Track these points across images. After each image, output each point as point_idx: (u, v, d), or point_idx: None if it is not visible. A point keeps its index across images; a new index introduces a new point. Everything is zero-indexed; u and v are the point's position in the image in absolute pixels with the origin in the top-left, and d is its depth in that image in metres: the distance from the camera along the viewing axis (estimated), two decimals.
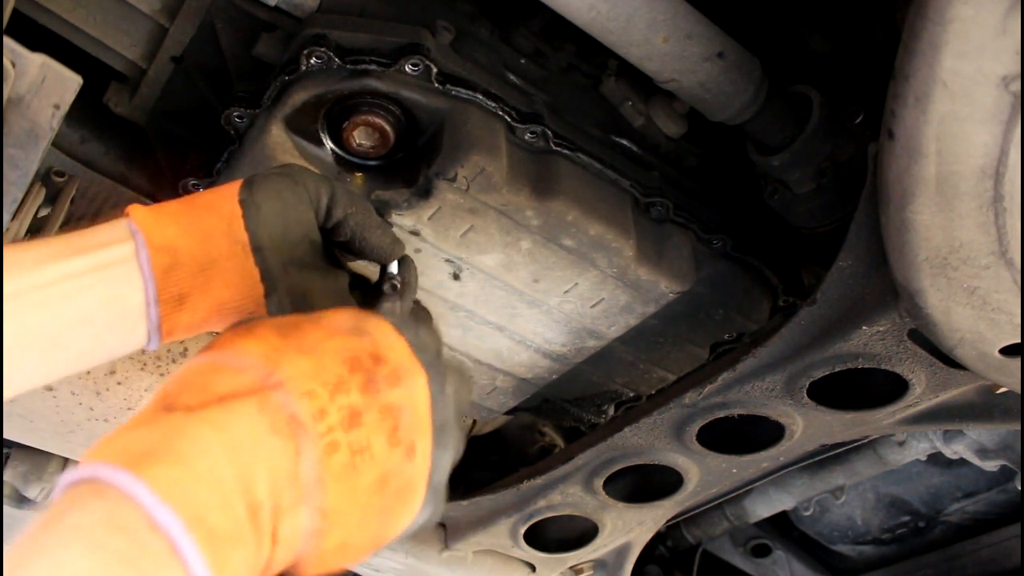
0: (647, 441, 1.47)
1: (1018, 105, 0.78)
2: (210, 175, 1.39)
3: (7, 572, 0.54)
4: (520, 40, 1.38)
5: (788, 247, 1.50)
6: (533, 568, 1.88)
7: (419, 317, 0.83)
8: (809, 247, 1.50)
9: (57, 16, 1.32)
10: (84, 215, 1.53)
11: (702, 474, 1.54)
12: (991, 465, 2.12)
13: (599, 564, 1.90)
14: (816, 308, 1.17)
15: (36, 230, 1.36)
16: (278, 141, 1.21)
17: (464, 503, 1.70)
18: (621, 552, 1.86)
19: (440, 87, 1.21)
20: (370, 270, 1.02)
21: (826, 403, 1.32)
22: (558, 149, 1.29)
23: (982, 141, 0.82)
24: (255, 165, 1.24)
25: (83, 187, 1.49)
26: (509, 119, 1.26)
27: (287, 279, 0.87)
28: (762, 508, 2.50)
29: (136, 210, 0.84)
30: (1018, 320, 0.98)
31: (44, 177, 1.38)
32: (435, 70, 1.20)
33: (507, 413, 1.75)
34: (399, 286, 0.98)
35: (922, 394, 1.25)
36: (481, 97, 1.24)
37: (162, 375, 1.56)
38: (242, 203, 0.86)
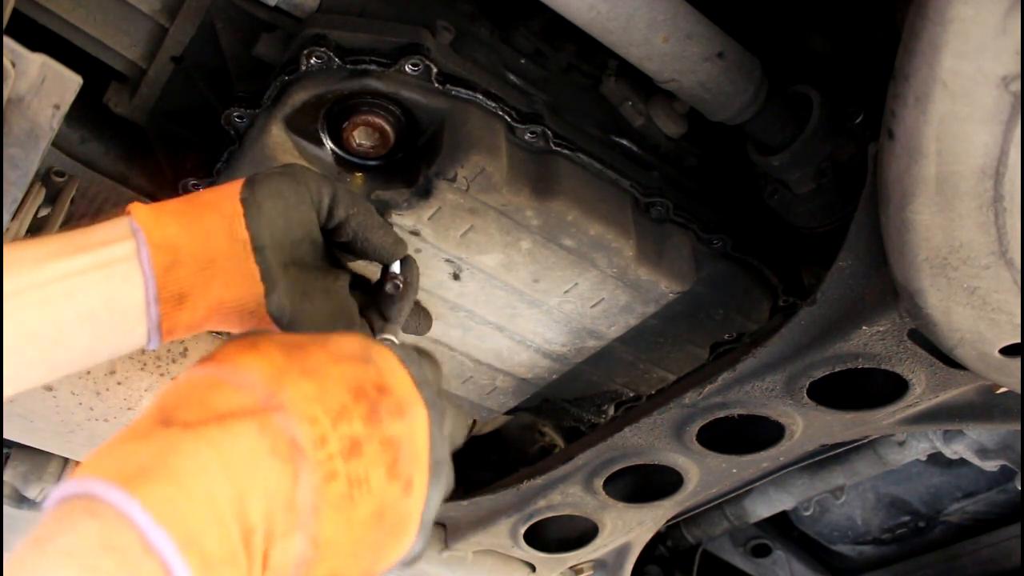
0: (647, 441, 1.47)
1: (1018, 105, 0.78)
2: (210, 175, 1.39)
3: (29, 567, 0.54)
4: (520, 40, 1.38)
5: (788, 247, 1.50)
6: (533, 568, 1.88)
7: (421, 353, 0.81)
8: (809, 247, 1.50)
9: (57, 16, 1.32)
10: (84, 215, 1.53)
11: (702, 474, 1.54)
12: (991, 465, 2.12)
13: (599, 564, 1.90)
14: (816, 308, 1.17)
15: (36, 230, 1.36)
16: (278, 141, 1.21)
17: (464, 503, 1.70)
18: (621, 552, 1.86)
19: (440, 87, 1.21)
20: (370, 270, 1.02)
21: (826, 403, 1.32)
22: (558, 149, 1.29)
23: (982, 141, 0.82)
24: (255, 165, 1.24)
25: (83, 187, 1.49)
26: (509, 119, 1.26)
27: (287, 279, 0.87)
28: (762, 508, 2.50)
29: (137, 208, 0.84)
30: (1018, 320, 0.98)
31: (44, 177, 1.38)
32: (435, 70, 1.20)
33: (507, 413, 1.75)
34: (401, 286, 0.98)
35: (922, 394, 1.25)
36: (481, 97, 1.24)
37: (162, 375, 1.56)
38: (243, 202, 0.86)
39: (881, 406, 1.29)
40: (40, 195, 1.35)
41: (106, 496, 0.57)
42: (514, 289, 1.38)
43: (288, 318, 0.86)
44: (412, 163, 1.25)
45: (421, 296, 1.06)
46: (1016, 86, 0.77)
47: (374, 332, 0.97)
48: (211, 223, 0.85)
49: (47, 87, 1.13)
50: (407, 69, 1.19)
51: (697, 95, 1.26)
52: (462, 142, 1.19)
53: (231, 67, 1.34)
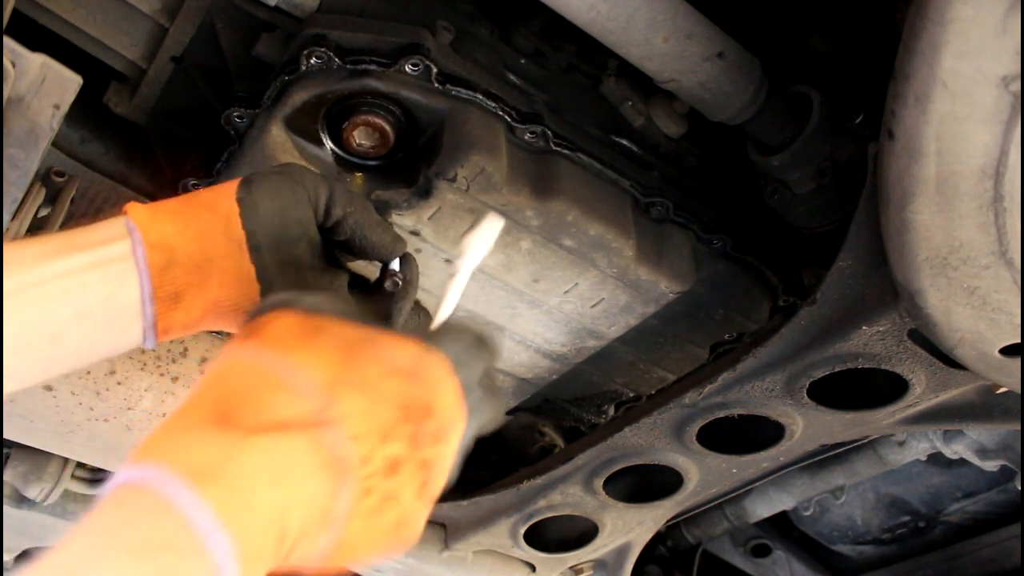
0: (647, 441, 1.47)
1: (1018, 105, 0.78)
2: (210, 175, 1.39)
3: (77, 559, 0.56)
4: (520, 40, 1.38)
5: (788, 247, 1.50)
6: (533, 568, 1.88)
7: (476, 342, 0.81)
8: (809, 247, 1.50)
9: (57, 16, 1.32)
10: (84, 215, 1.53)
11: (702, 474, 1.54)
12: (991, 465, 2.12)
13: (599, 564, 1.90)
14: (816, 308, 1.17)
15: (36, 230, 1.36)
16: (278, 141, 1.21)
17: (464, 503, 1.70)
18: (621, 552, 1.86)
19: (440, 87, 1.21)
20: (369, 270, 1.01)
21: (826, 403, 1.32)
22: (558, 149, 1.29)
23: (982, 141, 0.82)
24: (255, 165, 1.24)
25: (83, 187, 1.49)
26: (509, 119, 1.26)
27: (284, 278, 0.86)
28: (762, 508, 2.50)
29: (134, 208, 0.84)
30: (1018, 320, 0.98)
31: (44, 177, 1.38)
32: (435, 70, 1.20)
33: (507, 413, 1.75)
34: (401, 283, 0.98)
35: (922, 394, 1.25)
36: (481, 97, 1.24)
37: (162, 375, 1.56)
38: (240, 202, 0.86)
39: (881, 406, 1.29)
40: (40, 195, 1.35)
41: (174, 494, 0.60)
42: (514, 289, 1.38)
43: None
44: (412, 163, 1.25)
45: (420, 296, 1.06)
46: (1016, 86, 0.77)
47: None
48: (207, 222, 0.85)
49: (47, 87, 1.13)
50: (407, 69, 1.19)
51: (697, 95, 1.26)
52: (462, 142, 1.19)
53: (231, 67, 1.34)
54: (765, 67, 1.27)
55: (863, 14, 1.28)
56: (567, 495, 1.62)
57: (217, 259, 0.84)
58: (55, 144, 1.41)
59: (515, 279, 1.36)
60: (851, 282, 1.12)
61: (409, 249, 1.02)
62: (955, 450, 2.12)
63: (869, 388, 1.30)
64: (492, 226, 0.93)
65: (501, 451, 1.91)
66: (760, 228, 1.48)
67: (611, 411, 1.77)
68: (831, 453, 2.30)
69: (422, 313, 1.07)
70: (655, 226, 1.38)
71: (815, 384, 1.27)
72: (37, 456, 1.79)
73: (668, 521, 1.98)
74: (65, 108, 1.16)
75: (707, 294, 1.47)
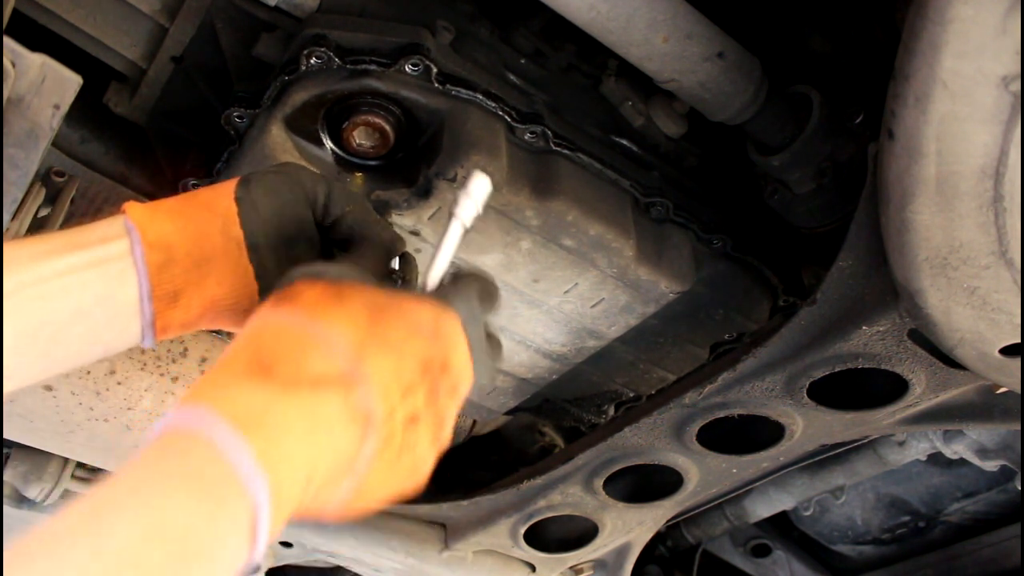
0: (647, 441, 1.47)
1: (1018, 105, 0.78)
2: (210, 175, 1.39)
3: (126, 490, 0.60)
4: (520, 40, 1.38)
5: (788, 247, 1.50)
6: (533, 568, 1.88)
7: (482, 292, 0.88)
8: (809, 247, 1.50)
9: (57, 16, 1.32)
10: (84, 215, 1.53)
11: (702, 474, 1.54)
12: (991, 465, 2.12)
13: (599, 564, 1.90)
14: (816, 308, 1.17)
15: (36, 230, 1.36)
16: (278, 141, 1.21)
17: (464, 503, 1.70)
18: (621, 552, 1.86)
19: (440, 87, 1.21)
20: None
21: (826, 403, 1.31)
22: (558, 149, 1.29)
23: (982, 141, 0.82)
24: (255, 165, 1.24)
25: (83, 187, 1.49)
26: (509, 119, 1.26)
27: (281, 277, 0.87)
28: (762, 508, 2.50)
29: (132, 207, 0.84)
30: (1018, 320, 0.98)
31: (44, 177, 1.38)
32: (435, 70, 1.20)
33: (507, 413, 1.75)
34: (400, 282, 0.98)
35: (922, 394, 1.25)
36: (481, 97, 1.24)
37: (162, 375, 1.56)
38: (238, 201, 0.87)
39: (881, 406, 1.29)
40: (40, 195, 1.35)
41: (222, 441, 0.64)
42: (514, 289, 1.38)
43: None
44: (412, 163, 1.25)
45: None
46: (1016, 86, 0.77)
47: None
48: (206, 221, 0.85)
49: (47, 87, 1.14)
50: (407, 69, 1.19)
51: (697, 95, 1.26)
52: (462, 142, 1.19)
53: (231, 67, 1.34)
54: (765, 67, 1.27)
55: (863, 14, 1.28)
56: (567, 495, 1.62)
57: (215, 258, 0.85)
58: (55, 144, 1.41)
59: (515, 279, 1.36)
60: (851, 282, 1.12)
61: (409, 249, 1.02)
62: (955, 450, 2.12)
63: (869, 388, 1.30)
64: (480, 184, 0.94)
65: (501, 451, 1.91)
66: (760, 228, 1.48)
67: (611, 411, 1.77)
68: (831, 453, 2.30)
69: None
70: (655, 226, 1.38)
71: (815, 384, 1.27)
72: (37, 456, 1.79)
73: (668, 521, 1.98)
74: (65, 108, 1.16)
75: (707, 294, 1.47)
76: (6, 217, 1.26)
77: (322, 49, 1.17)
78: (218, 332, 1.57)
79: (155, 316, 0.83)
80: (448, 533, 1.81)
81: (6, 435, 1.63)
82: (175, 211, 0.86)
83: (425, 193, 1.22)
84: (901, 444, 2.24)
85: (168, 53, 1.37)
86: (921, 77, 0.81)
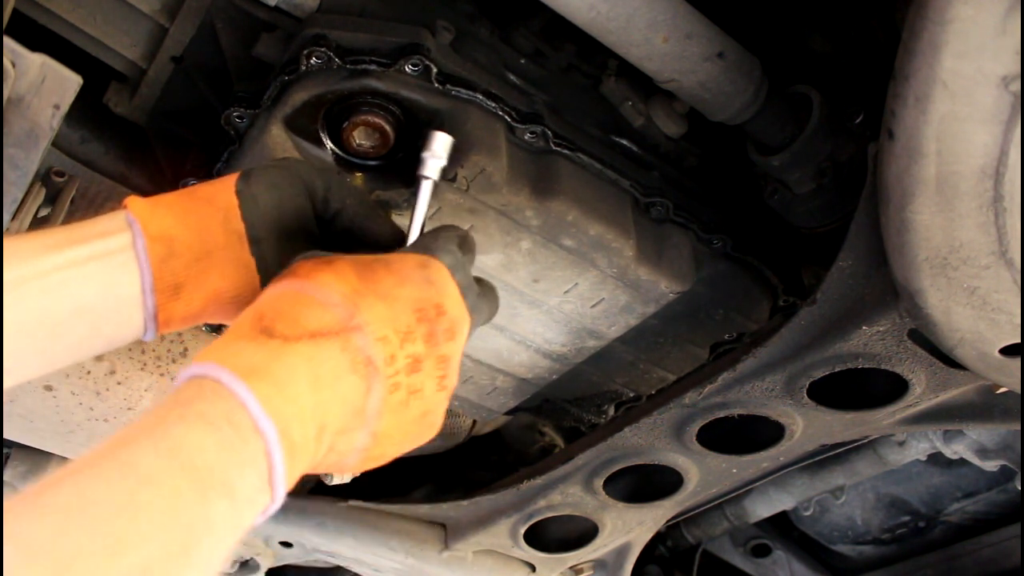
0: (647, 441, 1.47)
1: (1018, 105, 0.78)
2: (210, 175, 1.39)
3: (146, 426, 0.64)
4: (520, 40, 1.38)
5: (788, 247, 1.50)
6: (533, 568, 1.88)
7: (462, 244, 0.93)
8: (809, 247, 1.50)
9: (57, 16, 1.32)
10: (84, 215, 1.53)
11: (702, 474, 1.54)
12: (991, 465, 2.12)
13: (599, 564, 1.90)
14: (816, 308, 1.17)
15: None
16: (278, 141, 1.21)
17: (464, 503, 1.70)
18: (621, 552, 1.86)
19: (440, 87, 1.21)
20: None
21: (826, 403, 1.32)
22: (558, 149, 1.29)
23: (982, 141, 0.82)
24: (255, 165, 1.23)
25: (83, 187, 1.49)
26: (509, 119, 1.26)
27: (282, 269, 0.87)
28: (762, 508, 2.50)
29: (134, 201, 0.85)
30: (1018, 320, 0.98)
31: (44, 177, 1.38)
32: (435, 70, 1.20)
33: (507, 413, 1.75)
34: None
35: (922, 394, 1.25)
36: (481, 97, 1.24)
37: (162, 375, 1.56)
38: (239, 194, 0.87)
39: (881, 406, 1.29)
40: (40, 195, 1.35)
41: (229, 383, 0.68)
42: (514, 289, 1.38)
43: None
44: (412, 163, 1.25)
45: None
46: (1016, 86, 0.77)
47: None
48: (207, 215, 0.86)
49: (47, 87, 1.14)
50: (407, 69, 1.19)
51: (697, 95, 1.26)
52: (462, 142, 1.19)
53: (231, 67, 1.34)
54: (765, 67, 1.27)
55: (863, 14, 1.28)
56: (567, 495, 1.62)
57: (217, 251, 0.85)
58: (55, 144, 1.41)
59: (515, 279, 1.36)
60: (851, 282, 1.12)
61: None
62: (955, 450, 2.12)
63: (869, 388, 1.30)
64: (441, 141, 1.06)
65: (501, 451, 1.91)
66: (760, 228, 1.48)
67: (611, 411, 1.77)
68: (831, 453, 2.30)
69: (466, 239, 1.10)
70: (655, 226, 1.38)
71: (815, 384, 1.27)
72: (37, 456, 1.79)
73: (668, 521, 1.98)
74: (65, 108, 1.16)
75: (707, 294, 1.47)
76: (6, 217, 1.26)
77: (322, 49, 1.17)
78: (218, 330, 1.57)
79: (157, 309, 0.83)
80: (448, 533, 1.81)
81: (6, 435, 1.63)
82: (176, 205, 0.86)
83: None
84: (901, 444, 2.24)
85: (168, 53, 1.37)
86: (921, 77, 0.81)
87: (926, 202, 0.90)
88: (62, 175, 1.40)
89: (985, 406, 1.32)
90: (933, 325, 1.05)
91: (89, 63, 1.35)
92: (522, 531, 1.72)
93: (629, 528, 1.75)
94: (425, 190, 1.05)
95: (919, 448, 2.21)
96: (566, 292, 1.38)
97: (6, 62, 1.08)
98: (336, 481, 1.67)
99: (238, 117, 1.27)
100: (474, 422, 1.85)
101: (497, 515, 1.70)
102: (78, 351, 0.83)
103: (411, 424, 0.83)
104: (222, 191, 0.88)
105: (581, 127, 1.36)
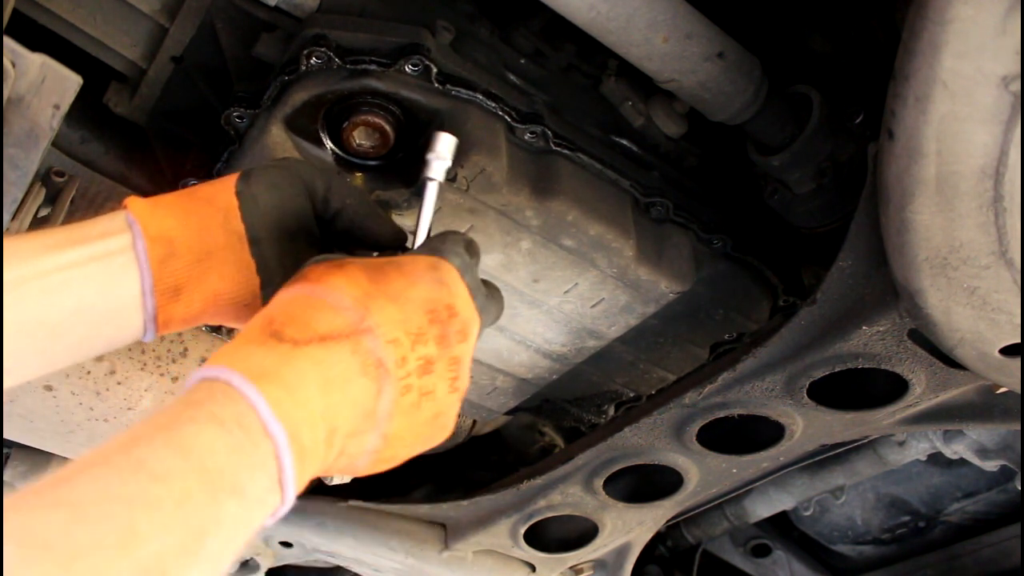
0: (647, 441, 1.47)
1: (1018, 105, 0.78)
2: (210, 175, 1.39)
3: (156, 425, 0.64)
4: (520, 40, 1.38)
5: (788, 247, 1.50)
6: (533, 568, 1.88)
7: (468, 248, 0.92)
8: (809, 247, 1.50)
9: (57, 16, 1.32)
10: (84, 215, 1.53)
11: (702, 474, 1.54)
12: (991, 465, 2.12)
13: (599, 564, 1.90)
14: (816, 308, 1.17)
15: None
16: (278, 141, 1.21)
17: (464, 503, 1.70)
18: (621, 552, 1.86)
19: (440, 87, 1.21)
20: None
21: (826, 403, 1.32)
22: (558, 149, 1.29)
23: (982, 141, 0.82)
24: (255, 165, 1.23)
25: (83, 187, 1.49)
26: (509, 119, 1.26)
27: (283, 271, 0.87)
28: (762, 508, 2.50)
29: (134, 202, 0.85)
30: (1018, 320, 0.98)
31: (44, 177, 1.38)
32: (435, 70, 1.20)
33: (507, 413, 1.75)
34: None
35: (922, 394, 1.25)
36: (481, 97, 1.24)
37: (162, 375, 1.56)
38: (239, 195, 0.87)
39: (881, 406, 1.29)
40: (40, 195, 1.35)
41: (240, 386, 0.68)
42: (514, 289, 1.38)
43: None
44: (412, 163, 1.25)
45: None
46: (1016, 86, 0.77)
47: None
48: (207, 216, 0.86)
49: (47, 87, 1.14)
50: (407, 69, 1.19)
51: (697, 95, 1.26)
52: (462, 142, 1.19)
53: (231, 67, 1.34)
54: (765, 67, 1.27)
55: (863, 14, 1.28)
56: (567, 495, 1.62)
57: (217, 252, 0.85)
58: (55, 144, 1.41)
59: (515, 279, 1.36)
60: (851, 282, 1.12)
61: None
62: (955, 450, 2.12)
63: (869, 388, 1.30)
64: (445, 142, 1.05)
65: (501, 451, 1.91)
66: (760, 228, 1.48)
67: (611, 411, 1.77)
68: (831, 453, 2.30)
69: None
70: (655, 226, 1.38)
71: (815, 384, 1.27)
72: (37, 456, 1.79)
73: (668, 521, 1.98)
74: (65, 108, 1.16)
75: (707, 294, 1.47)
76: (6, 217, 1.26)
77: (322, 49, 1.17)
78: (218, 331, 1.57)
79: (157, 310, 0.83)
80: (448, 533, 1.81)
81: (6, 435, 1.63)
82: (176, 206, 0.86)
83: None
84: (901, 444, 2.24)
85: (168, 53, 1.37)
86: (921, 77, 0.81)
87: (926, 202, 0.90)
88: (62, 175, 1.40)
89: (985, 406, 1.32)
90: (933, 325, 1.05)
91: (89, 63, 1.35)
92: (522, 531, 1.72)
93: (629, 528, 1.75)
94: (431, 192, 1.04)
95: (919, 448, 2.21)
96: (566, 292, 1.38)
97: (6, 62, 1.08)
98: (336, 481, 1.67)
99: (238, 117, 1.27)
100: (474, 422, 1.85)
101: (497, 515, 1.70)
102: (78, 352, 0.83)
103: (423, 426, 0.83)
104: (222, 191, 0.88)
105: (581, 127, 1.36)
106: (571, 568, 1.91)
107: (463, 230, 1.27)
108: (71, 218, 1.42)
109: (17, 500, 0.55)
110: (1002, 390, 1.24)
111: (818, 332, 1.20)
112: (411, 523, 1.80)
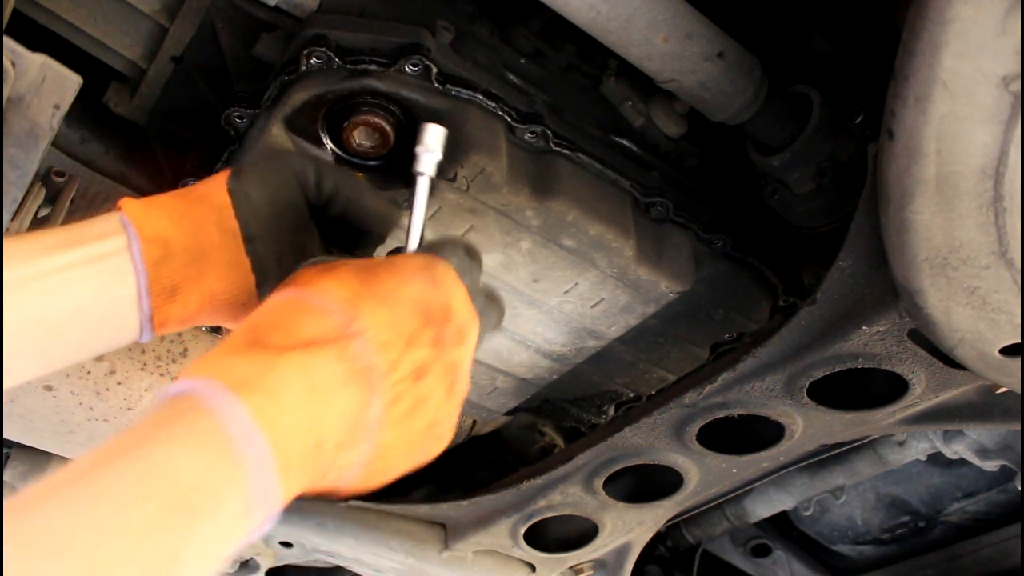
0: (647, 441, 1.47)
1: (1018, 105, 0.78)
2: (210, 175, 1.39)
3: (122, 446, 0.61)
4: (520, 40, 1.38)
5: (788, 247, 1.50)
6: (533, 568, 1.88)
7: (467, 251, 0.88)
8: (809, 247, 1.50)
9: (57, 16, 1.32)
10: (84, 215, 1.53)
11: (702, 474, 1.54)
12: (991, 465, 2.12)
13: (599, 564, 1.90)
14: (816, 308, 1.17)
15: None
16: (278, 141, 1.21)
17: (464, 503, 1.70)
18: (621, 552, 1.86)
19: (440, 87, 1.21)
20: None
21: (826, 403, 1.31)
22: (558, 149, 1.29)
23: (982, 141, 0.82)
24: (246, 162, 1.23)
25: (83, 187, 1.49)
26: (509, 119, 1.26)
27: (280, 269, 0.87)
28: (762, 508, 2.50)
29: (128, 203, 0.85)
30: (1018, 320, 0.98)
31: (44, 177, 1.38)
32: (435, 70, 1.20)
33: (507, 413, 1.75)
34: None
35: (922, 394, 1.25)
36: (481, 97, 1.24)
37: (162, 375, 1.56)
38: (231, 192, 0.87)
39: (881, 406, 1.29)
40: (40, 195, 1.35)
41: (219, 397, 0.65)
42: (514, 289, 1.38)
43: None
44: (412, 163, 1.25)
45: None
46: (1016, 86, 0.77)
47: None
48: (201, 215, 0.86)
49: (47, 87, 1.14)
50: (407, 69, 1.19)
51: (697, 95, 1.26)
52: (462, 142, 1.19)
53: (231, 67, 1.34)
54: (765, 67, 1.27)
55: (863, 14, 1.28)
56: (567, 495, 1.62)
57: (212, 251, 0.85)
58: (55, 144, 1.41)
59: (515, 279, 1.36)
60: (851, 282, 1.12)
61: None
62: (955, 450, 2.12)
63: (869, 388, 1.29)
64: (434, 133, 0.98)
65: (501, 451, 1.91)
66: (760, 228, 1.48)
67: (611, 411, 1.77)
68: (831, 453, 2.30)
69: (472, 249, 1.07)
70: (655, 226, 1.38)
71: (815, 384, 1.27)
72: (37, 456, 1.79)
73: (668, 521, 1.98)
74: (65, 108, 1.16)
75: (707, 294, 1.47)
76: (6, 217, 1.26)
77: (322, 49, 1.17)
78: (218, 331, 1.57)
79: (153, 311, 0.83)
80: (448, 533, 1.81)
81: (6, 435, 1.63)
82: (171, 206, 0.86)
83: None
84: (901, 444, 2.24)
85: (168, 53, 1.37)
86: (921, 77, 0.81)
87: (926, 202, 0.90)
88: (62, 175, 1.40)
89: (985, 406, 1.31)
90: (933, 325, 1.05)
91: (89, 63, 1.35)
92: (522, 531, 1.71)
93: (629, 528, 1.75)
94: (422, 187, 0.97)
95: (919, 448, 2.21)
96: (566, 292, 1.38)
97: (6, 62, 1.08)
98: None
99: (238, 117, 1.27)
100: (474, 422, 1.85)
101: (497, 515, 1.70)
102: (77, 352, 0.83)
103: (417, 436, 0.79)
104: (215, 190, 0.87)
105: (581, 127, 1.36)
106: (571, 568, 1.91)
107: (463, 230, 1.27)
108: (71, 218, 1.42)
109: None
110: (1002, 390, 1.24)
111: (818, 332, 1.20)
112: (411, 523, 1.80)
